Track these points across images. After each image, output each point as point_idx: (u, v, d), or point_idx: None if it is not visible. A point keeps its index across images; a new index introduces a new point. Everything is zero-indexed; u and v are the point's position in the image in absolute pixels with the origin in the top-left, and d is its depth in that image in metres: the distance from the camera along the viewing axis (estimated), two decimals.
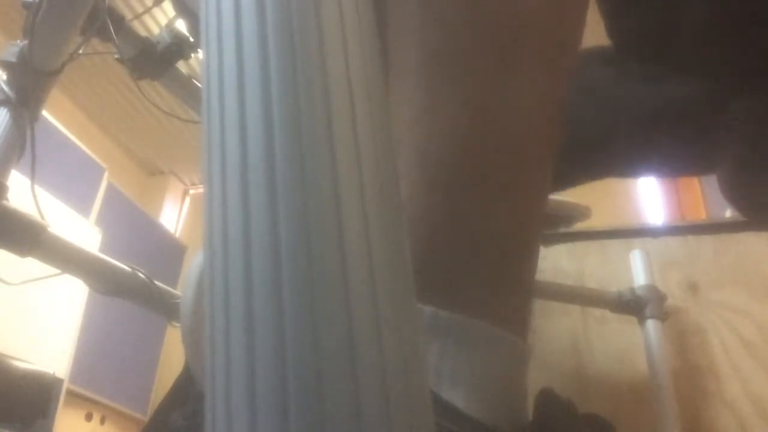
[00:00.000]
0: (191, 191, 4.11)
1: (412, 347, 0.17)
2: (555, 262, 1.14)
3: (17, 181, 0.79)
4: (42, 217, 0.76)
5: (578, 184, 0.70)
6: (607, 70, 0.61)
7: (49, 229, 0.75)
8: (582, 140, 0.59)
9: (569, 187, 0.71)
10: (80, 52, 0.85)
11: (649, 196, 2.99)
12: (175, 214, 3.97)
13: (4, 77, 0.80)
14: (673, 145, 0.61)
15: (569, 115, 0.38)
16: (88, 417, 2.60)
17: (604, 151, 0.64)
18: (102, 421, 2.67)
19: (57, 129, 2.36)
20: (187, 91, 1.03)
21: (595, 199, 1.01)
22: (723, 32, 0.48)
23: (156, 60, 0.95)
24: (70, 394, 2.32)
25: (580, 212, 0.98)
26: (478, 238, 0.34)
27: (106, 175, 2.62)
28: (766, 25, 0.47)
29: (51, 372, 2.06)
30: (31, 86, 0.80)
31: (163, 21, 2.30)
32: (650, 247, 1.08)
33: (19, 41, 0.81)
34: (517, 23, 0.36)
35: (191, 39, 0.96)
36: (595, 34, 0.52)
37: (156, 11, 2.46)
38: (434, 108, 0.36)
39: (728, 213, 1.16)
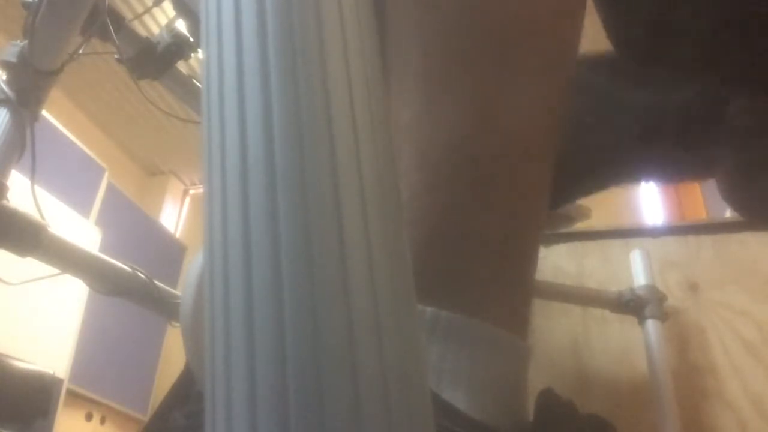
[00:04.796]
0: (191, 191, 4.11)
1: (412, 347, 0.17)
2: (555, 262, 1.14)
3: (17, 181, 0.79)
4: (42, 217, 0.76)
5: (580, 198, 0.70)
6: (607, 78, 0.61)
7: (49, 229, 0.75)
8: (583, 149, 0.60)
9: (572, 202, 0.71)
10: (80, 52, 0.85)
11: (649, 196, 2.99)
12: (175, 214, 3.97)
13: (4, 77, 0.80)
14: (674, 151, 0.61)
15: (571, 123, 0.38)
16: (88, 417, 2.59)
17: (605, 160, 0.64)
18: (102, 421, 2.67)
19: (57, 129, 2.36)
20: (187, 91, 1.03)
21: (595, 199, 1.01)
22: (723, 33, 0.48)
23: (156, 60, 0.95)
24: (70, 394, 2.32)
25: (580, 212, 0.98)
26: (479, 238, 0.34)
27: (106, 175, 2.62)
28: (765, 26, 0.47)
29: (51, 372, 2.06)
30: (31, 86, 0.80)
31: (163, 21, 2.30)
32: (650, 247, 1.08)
33: (19, 41, 0.81)
34: (517, 25, 0.36)
35: (191, 39, 0.96)
36: (595, 36, 0.52)
37: (156, 11, 2.46)
38: (434, 109, 0.36)
39: (728, 213, 1.16)
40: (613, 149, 0.62)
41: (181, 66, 1.01)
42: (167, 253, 3.17)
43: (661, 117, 0.59)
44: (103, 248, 2.19)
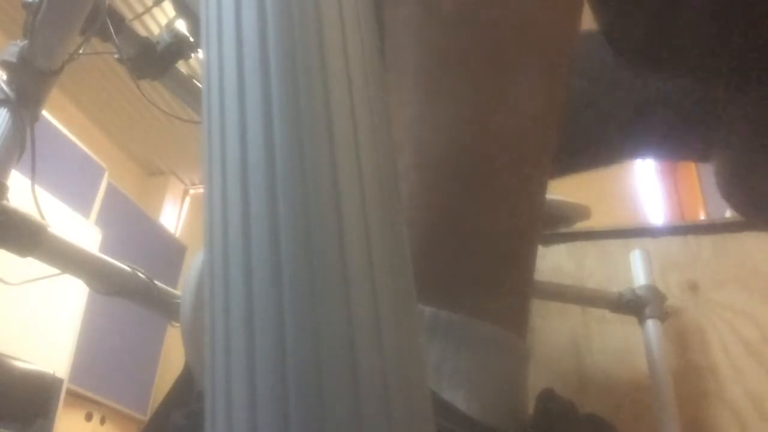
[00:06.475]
0: (191, 191, 4.11)
1: (412, 347, 0.17)
2: (555, 262, 1.14)
3: (17, 181, 0.79)
4: (42, 217, 0.76)
5: (575, 173, 0.69)
6: (606, 56, 0.61)
7: (49, 229, 0.75)
8: (580, 125, 0.59)
9: (566, 175, 0.70)
10: (80, 52, 0.85)
11: (649, 196, 2.99)
12: (175, 214, 3.96)
13: (4, 77, 0.80)
14: (672, 127, 0.61)
15: (568, 99, 0.38)
16: (88, 417, 2.59)
17: (601, 136, 0.64)
18: (102, 421, 2.67)
19: (57, 129, 2.36)
20: (187, 91, 1.03)
21: (595, 199, 1.01)
22: (721, 30, 0.48)
23: (156, 60, 0.95)
24: (70, 394, 2.32)
25: (580, 212, 0.98)
26: (478, 238, 0.34)
27: (106, 175, 2.62)
28: (764, 23, 0.47)
29: (51, 372, 2.06)
30: (31, 86, 0.80)
31: (163, 21, 2.30)
32: (650, 247, 1.08)
33: (19, 41, 0.81)
34: (516, 25, 0.36)
35: (191, 39, 0.96)
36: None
37: (156, 11, 2.46)
38: (433, 109, 0.36)
39: (728, 213, 1.16)
40: (609, 123, 0.62)
41: (181, 66, 1.01)
42: (167, 253, 3.16)
43: (660, 93, 0.59)
44: (103, 248, 2.20)
